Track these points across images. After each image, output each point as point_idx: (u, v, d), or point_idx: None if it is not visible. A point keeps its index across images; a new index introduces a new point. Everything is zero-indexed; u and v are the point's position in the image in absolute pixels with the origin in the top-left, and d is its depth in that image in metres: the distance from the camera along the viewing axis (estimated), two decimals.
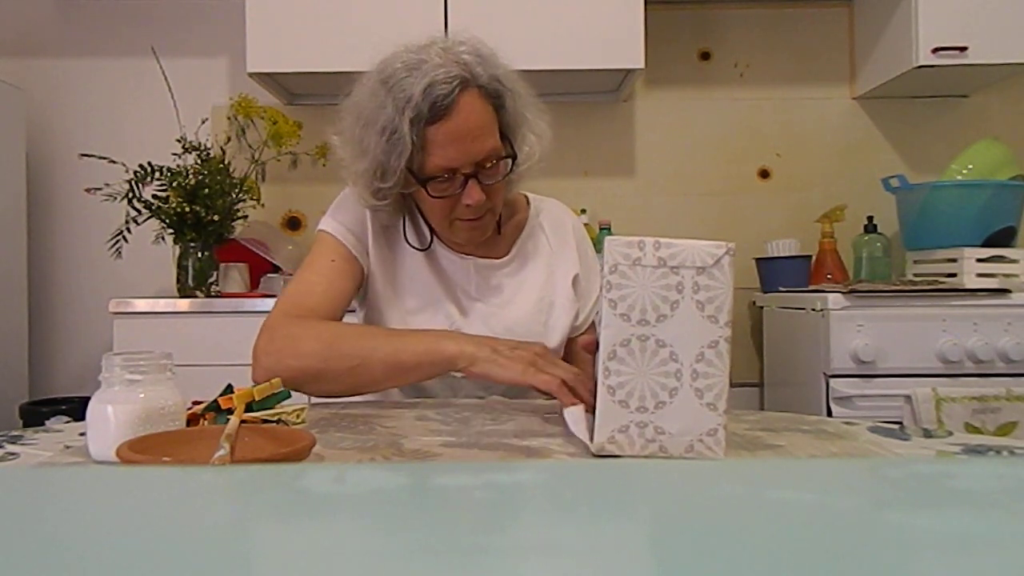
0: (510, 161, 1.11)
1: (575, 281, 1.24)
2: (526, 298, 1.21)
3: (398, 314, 1.17)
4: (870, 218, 2.34)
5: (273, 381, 0.88)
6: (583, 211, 2.40)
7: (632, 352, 0.71)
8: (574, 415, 0.82)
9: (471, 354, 0.99)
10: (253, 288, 2.20)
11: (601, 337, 0.72)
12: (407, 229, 1.20)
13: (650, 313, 0.70)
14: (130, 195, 2.04)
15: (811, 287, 2.16)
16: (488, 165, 1.08)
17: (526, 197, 1.31)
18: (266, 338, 1.05)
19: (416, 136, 1.04)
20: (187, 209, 2.01)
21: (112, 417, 0.72)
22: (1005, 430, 1.75)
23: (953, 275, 2.03)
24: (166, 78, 2.25)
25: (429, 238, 1.21)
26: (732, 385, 0.71)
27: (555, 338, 1.20)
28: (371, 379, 1.03)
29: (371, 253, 1.18)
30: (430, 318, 1.17)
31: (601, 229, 2.36)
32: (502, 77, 1.10)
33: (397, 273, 1.20)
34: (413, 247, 1.20)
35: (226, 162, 2.14)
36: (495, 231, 1.22)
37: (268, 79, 2.29)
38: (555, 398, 0.93)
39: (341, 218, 1.18)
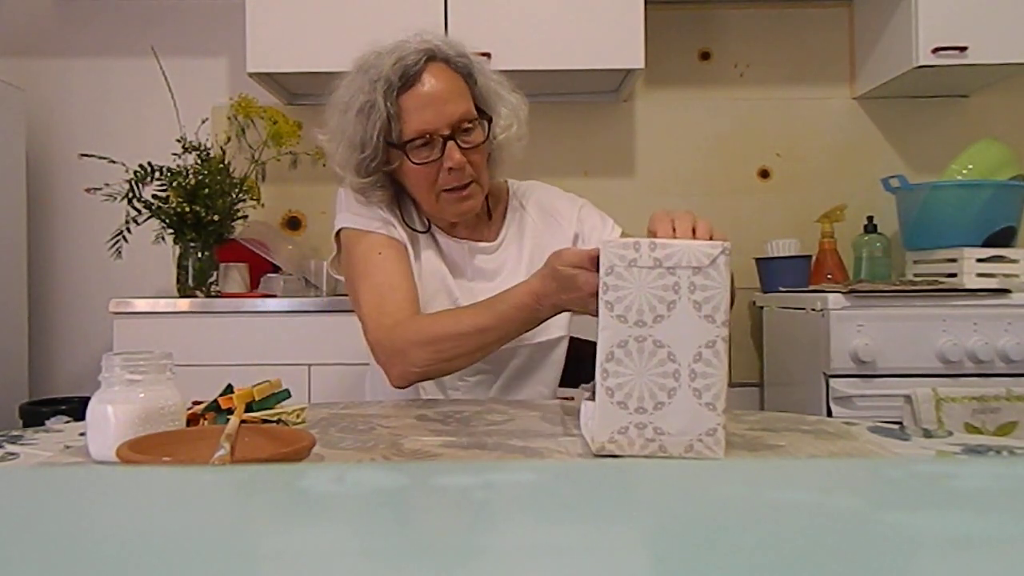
0: (487, 125, 1.15)
1: (575, 243, 1.25)
2: (517, 280, 1.22)
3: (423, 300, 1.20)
4: (870, 218, 2.34)
5: (273, 380, 0.88)
6: None
7: (630, 353, 0.71)
8: (590, 410, 0.82)
9: (545, 317, 1.03)
10: (253, 288, 2.20)
11: (599, 339, 0.72)
12: (405, 216, 1.23)
13: (647, 314, 0.70)
14: (130, 195, 2.04)
15: (811, 287, 2.16)
16: (464, 128, 1.12)
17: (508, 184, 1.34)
18: (380, 355, 1.11)
19: (390, 105, 1.09)
20: (187, 209, 2.01)
21: (112, 417, 0.72)
22: (1005, 430, 1.75)
23: (953, 275, 2.03)
24: (166, 78, 2.25)
25: (427, 223, 1.24)
26: (732, 385, 0.71)
27: (561, 317, 1.20)
28: (480, 357, 1.10)
29: (396, 228, 1.20)
30: (440, 305, 1.19)
31: None
32: (470, 55, 1.16)
33: (416, 252, 1.22)
34: (415, 230, 1.23)
35: (226, 162, 2.14)
36: (486, 215, 1.24)
37: (268, 79, 2.29)
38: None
39: (357, 209, 1.21)
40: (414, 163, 1.12)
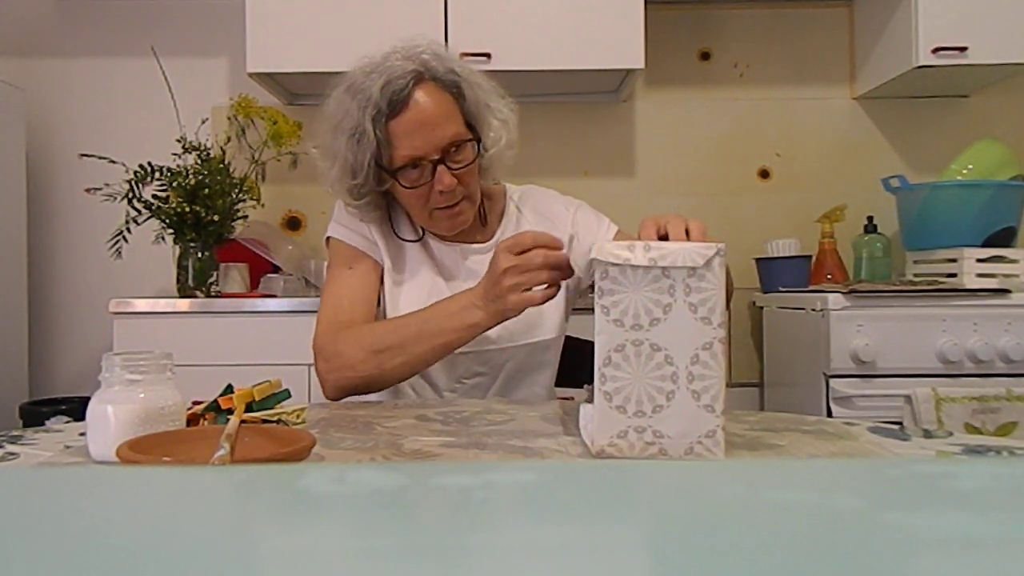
0: (476, 145, 1.15)
1: (570, 245, 1.25)
2: None
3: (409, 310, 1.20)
4: (870, 218, 2.34)
5: (273, 380, 0.88)
6: None
7: (627, 357, 0.71)
8: (588, 412, 0.82)
9: (485, 320, 1.05)
10: (253, 288, 2.20)
11: (596, 343, 0.72)
12: (396, 226, 1.24)
13: (643, 317, 0.70)
14: (130, 195, 2.04)
15: (811, 287, 2.16)
16: (454, 150, 1.12)
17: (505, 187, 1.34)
18: (320, 360, 1.13)
19: (380, 132, 1.09)
20: (187, 209, 2.01)
21: (112, 417, 0.72)
22: (1005, 430, 1.75)
23: (953, 275, 2.03)
24: (166, 78, 2.25)
25: (420, 230, 1.25)
26: (732, 385, 0.71)
27: (553, 317, 1.20)
28: (422, 364, 1.11)
29: (380, 246, 1.22)
30: None
31: None
32: (459, 69, 1.15)
33: (401, 266, 1.24)
34: (407, 240, 1.24)
35: (226, 162, 2.14)
36: (480, 220, 1.24)
37: (268, 79, 2.29)
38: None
39: (345, 221, 1.24)
40: (405, 187, 1.13)
